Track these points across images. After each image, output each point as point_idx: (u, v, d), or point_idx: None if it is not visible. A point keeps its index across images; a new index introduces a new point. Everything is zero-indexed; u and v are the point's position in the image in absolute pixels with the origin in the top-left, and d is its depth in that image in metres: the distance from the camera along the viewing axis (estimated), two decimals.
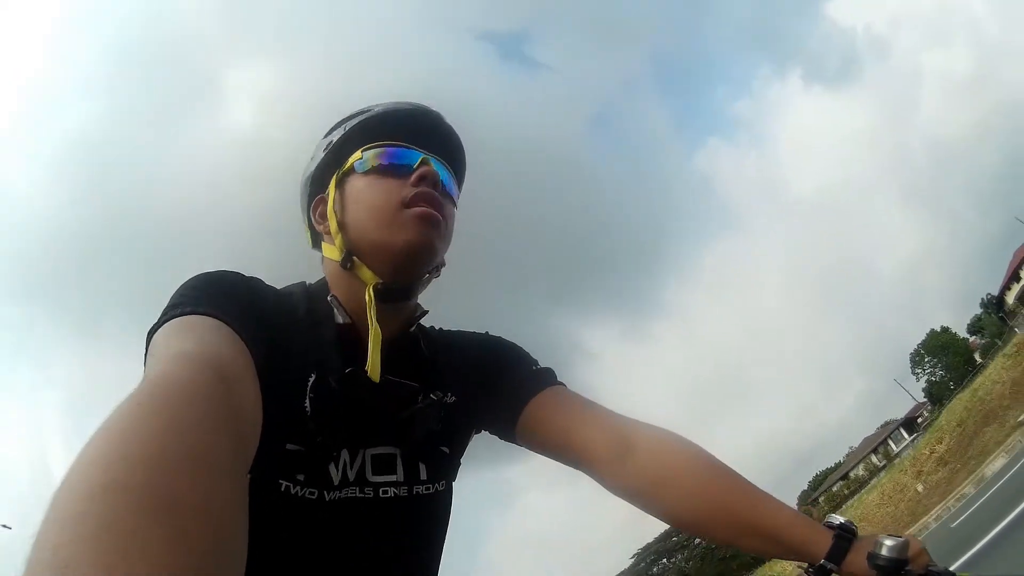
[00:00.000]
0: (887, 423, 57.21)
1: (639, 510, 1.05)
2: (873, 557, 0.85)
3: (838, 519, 0.92)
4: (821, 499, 50.64)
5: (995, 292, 48.84)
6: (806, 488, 64.97)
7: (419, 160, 1.02)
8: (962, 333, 52.98)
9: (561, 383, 1.14)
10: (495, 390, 1.10)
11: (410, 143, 1.04)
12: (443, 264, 1.08)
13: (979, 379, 35.24)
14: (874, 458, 49.14)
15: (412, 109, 1.08)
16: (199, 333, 0.75)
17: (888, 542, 0.85)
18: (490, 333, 1.21)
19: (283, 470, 0.88)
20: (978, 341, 50.22)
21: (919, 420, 49.29)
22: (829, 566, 0.88)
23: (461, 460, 1.09)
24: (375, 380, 0.92)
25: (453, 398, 1.04)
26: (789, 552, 0.93)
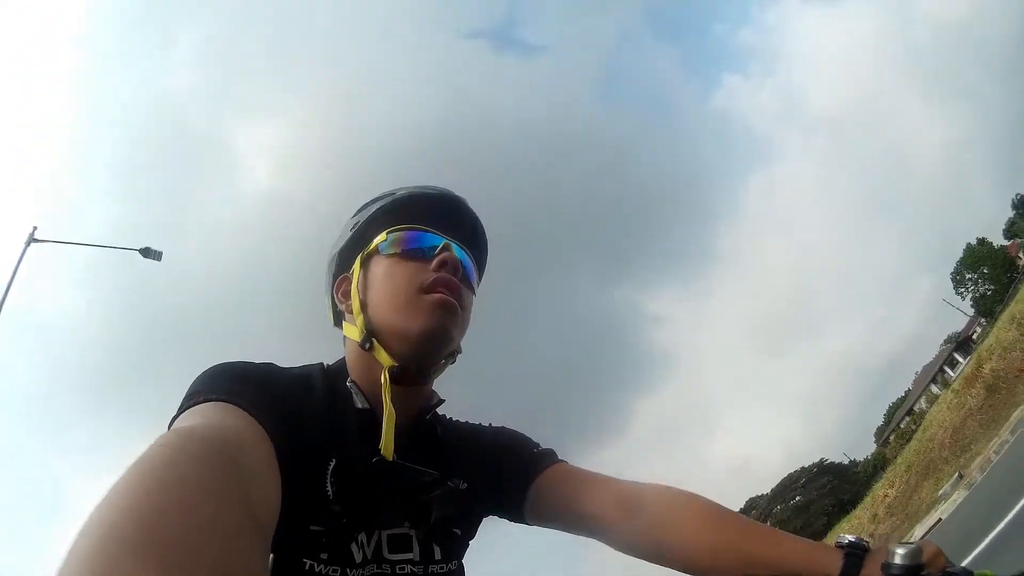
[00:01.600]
0: (948, 338, 55.28)
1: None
2: (887, 567, 0.85)
3: (848, 537, 0.93)
4: (892, 438, 49.83)
5: None
6: (881, 424, 63.75)
7: (441, 245, 1.07)
8: (998, 239, 50.87)
9: (562, 461, 1.19)
10: (501, 476, 1.15)
11: (433, 227, 1.09)
12: (459, 351, 1.12)
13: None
14: (934, 388, 48.07)
15: (436, 194, 1.15)
16: (217, 415, 0.79)
17: (900, 550, 0.85)
18: (492, 424, 1.26)
19: (307, 550, 0.90)
20: (1018, 242, 48.52)
21: (973, 337, 47.71)
22: None
23: (470, 542, 1.13)
24: (388, 459, 0.96)
25: (465, 485, 1.08)
26: None
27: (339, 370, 1.07)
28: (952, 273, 51.61)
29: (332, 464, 0.93)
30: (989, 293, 48.39)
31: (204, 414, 0.79)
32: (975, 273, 49.67)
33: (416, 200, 1.12)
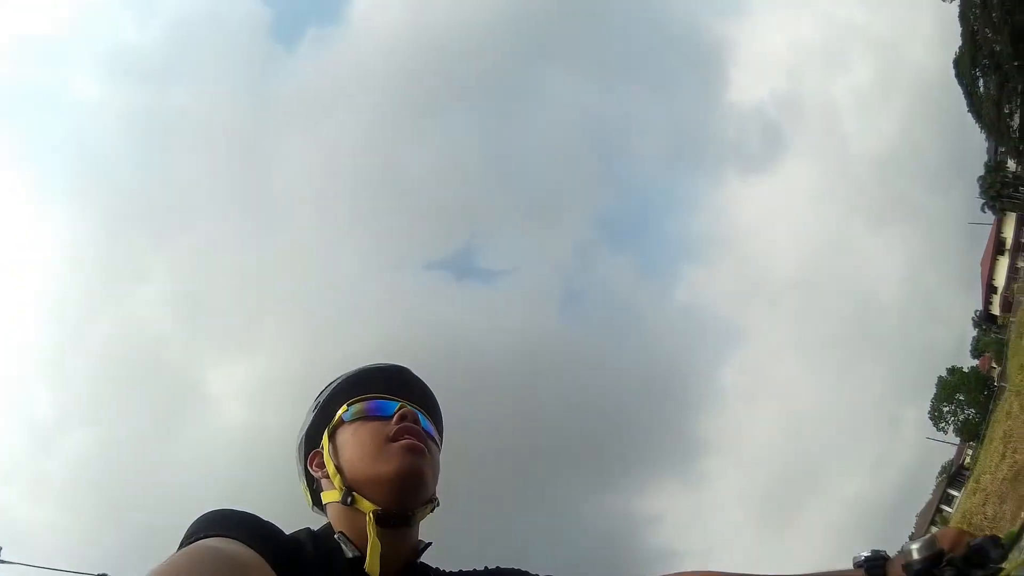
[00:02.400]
0: (943, 468, 51.79)
1: None
2: (908, 567, 0.85)
3: (864, 553, 0.94)
4: None
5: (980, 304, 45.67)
6: None
7: (398, 406, 1.17)
8: (967, 360, 49.06)
9: None
10: None
11: (387, 394, 1.21)
12: (438, 503, 1.16)
13: None
14: (934, 529, 43.30)
15: (384, 367, 1.28)
16: (222, 545, 0.83)
17: (915, 546, 0.85)
18: (488, 567, 1.24)
19: None
20: (988, 356, 46.18)
21: (965, 463, 44.24)
22: None
23: None
24: (374, 575, 1.00)
25: None
26: None
27: (326, 529, 1.11)
28: (929, 412, 48.87)
29: None
30: (971, 417, 45.31)
31: (208, 544, 0.83)
32: (952, 404, 46.87)
33: (368, 374, 1.25)
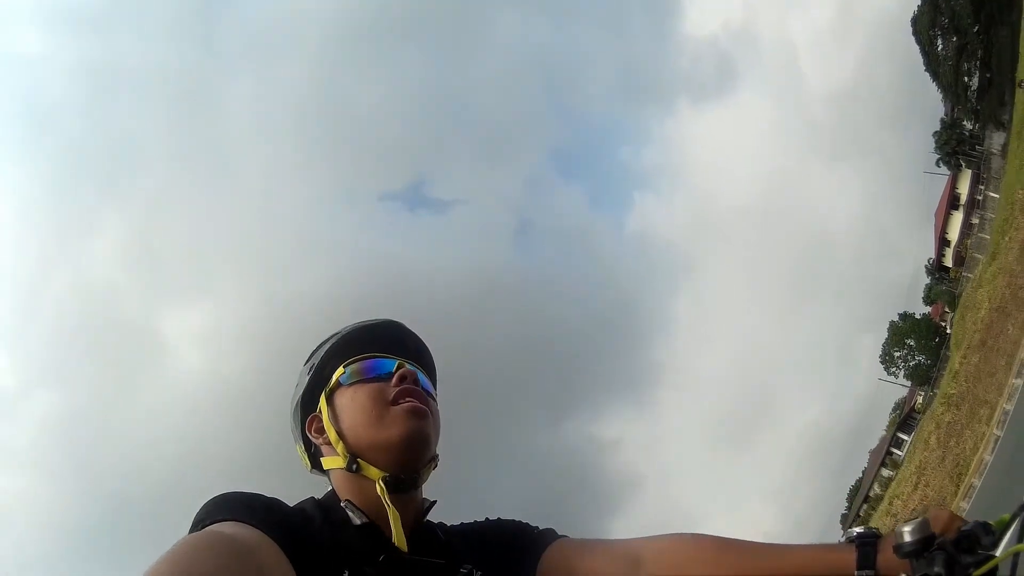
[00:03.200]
0: (896, 404, 54.24)
1: None
2: (899, 548, 0.85)
3: (857, 530, 0.94)
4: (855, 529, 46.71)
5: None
6: (844, 511, 60.90)
7: (396, 365, 1.17)
8: (920, 306, 51.05)
9: (564, 536, 1.23)
10: (508, 562, 1.17)
11: (383, 353, 1.19)
12: (438, 459, 1.18)
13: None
14: (885, 471, 45.86)
15: (378, 323, 1.26)
16: (231, 529, 0.83)
17: (908, 527, 0.85)
18: (488, 518, 1.29)
19: None
20: (940, 305, 48.02)
21: (916, 406, 46.41)
22: (866, 574, 0.89)
23: None
24: (403, 549, 1.02)
25: (480, 573, 1.10)
26: None
27: (330, 498, 1.11)
28: (880, 356, 50.88)
29: (346, 574, 0.95)
30: (921, 363, 47.39)
31: (215, 529, 0.83)
32: (902, 349, 48.80)
33: (362, 332, 1.23)
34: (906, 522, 0.85)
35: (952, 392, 27.35)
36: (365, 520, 1.04)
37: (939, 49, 38.08)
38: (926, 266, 50.44)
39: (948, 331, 43.88)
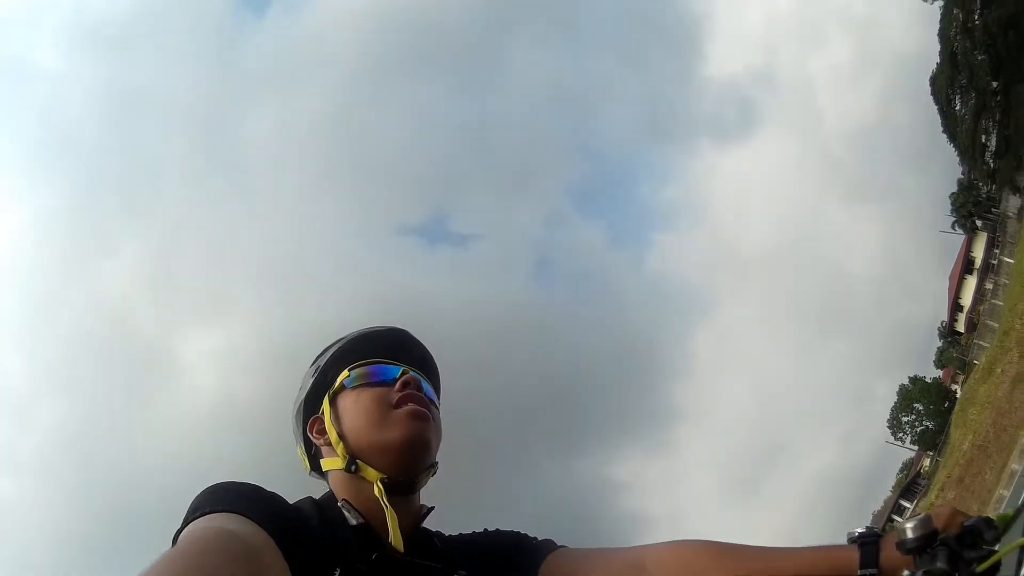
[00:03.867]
0: (903, 465, 52.46)
1: None
2: (902, 544, 0.85)
3: (858, 530, 0.93)
4: None
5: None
6: None
7: (400, 371, 1.16)
8: (930, 372, 49.56)
9: (562, 546, 1.21)
10: (507, 571, 1.16)
11: (388, 359, 1.19)
12: (437, 466, 1.17)
13: None
14: None
15: (384, 330, 1.26)
16: (225, 522, 0.82)
17: (910, 524, 0.85)
18: (487, 529, 1.27)
19: None
20: (951, 369, 46.63)
21: (922, 471, 44.91)
22: (868, 572, 0.89)
23: None
24: (400, 549, 1.00)
25: None
26: None
27: (328, 498, 1.10)
28: (888, 420, 49.35)
29: (337, 573, 0.94)
30: (929, 428, 45.87)
31: (213, 521, 0.82)
32: (911, 414, 47.34)
33: (368, 338, 1.23)
34: (908, 519, 0.85)
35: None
36: (361, 521, 1.03)
37: (956, 109, 37.18)
38: (939, 329, 49.08)
39: (958, 395, 42.63)
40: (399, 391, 1.12)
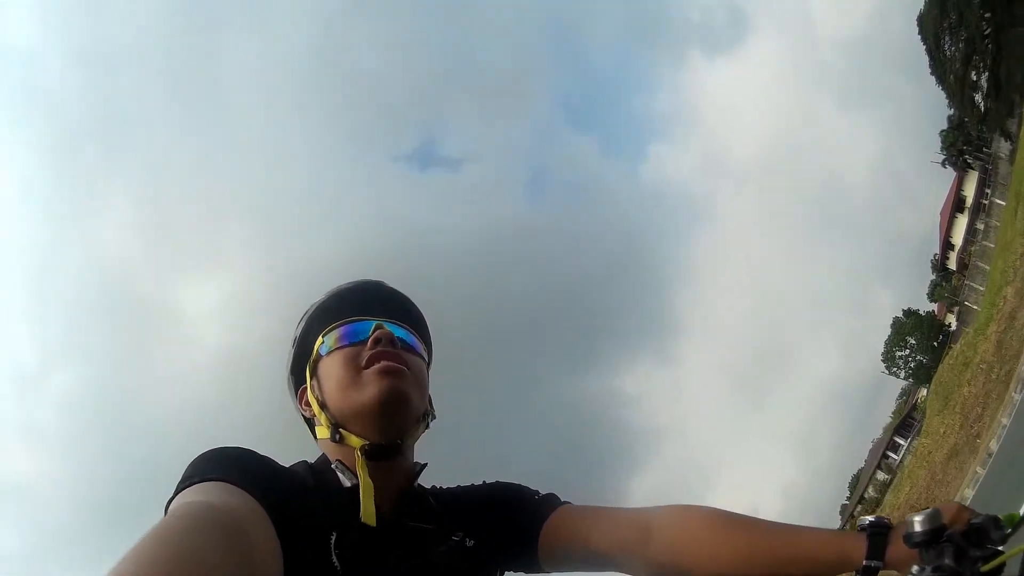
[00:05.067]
0: (902, 392, 53.94)
1: None
2: (909, 537, 0.84)
3: (868, 519, 0.92)
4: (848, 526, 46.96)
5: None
6: (846, 501, 60.94)
7: (372, 327, 1.12)
8: (924, 303, 50.23)
9: (567, 502, 1.18)
10: (508, 529, 1.13)
11: (361, 315, 1.16)
12: (432, 416, 1.16)
13: None
14: (880, 474, 45.70)
15: (354, 285, 1.22)
16: (217, 493, 0.80)
17: (918, 518, 0.84)
18: (486, 481, 1.24)
19: None
20: (944, 304, 47.03)
21: (918, 403, 46.05)
22: (874, 564, 0.87)
23: None
24: (371, 524, 0.98)
25: (472, 542, 1.08)
26: (832, 567, 0.92)
27: (322, 461, 1.09)
28: (882, 354, 50.10)
29: (334, 537, 0.93)
30: (923, 362, 46.67)
31: (203, 492, 0.81)
32: (904, 349, 48.00)
33: (339, 296, 1.20)
34: (917, 512, 0.84)
35: None
36: (355, 481, 1.02)
37: (945, 50, 35.82)
38: (931, 261, 49.20)
39: (952, 328, 43.14)
40: (370, 349, 1.09)
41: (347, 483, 1.01)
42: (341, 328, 1.14)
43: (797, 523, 1.00)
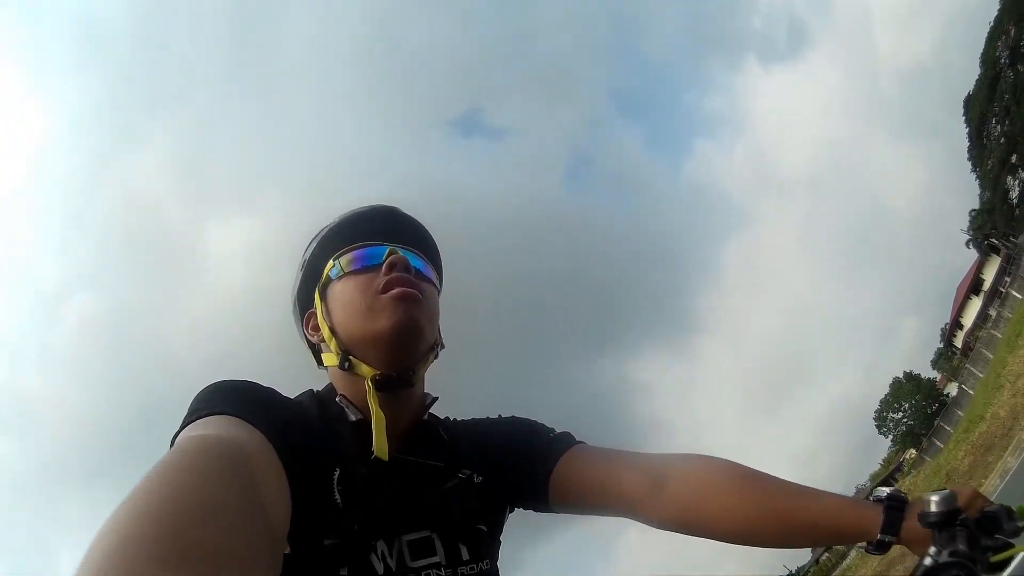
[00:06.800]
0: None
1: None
2: (924, 516, 0.84)
3: (885, 490, 0.92)
4: None
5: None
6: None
7: (386, 252, 1.07)
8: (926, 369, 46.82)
9: (581, 442, 1.16)
10: (519, 466, 1.11)
11: (375, 240, 1.11)
12: (441, 346, 1.13)
13: None
14: None
15: (369, 210, 1.17)
16: (223, 427, 0.78)
17: (935, 497, 0.84)
18: (502, 415, 1.22)
19: (325, 566, 0.88)
20: (945, 377, 46.54)
21: (900, 469, 46.16)
22: (888, 539, 0.87)
23: (501, 539, 1.10)
24: (384, 458, 0.95)
25: (481, 478, 1.06)
26: (845, 537, 0.93)
27: (328, 392, 1.07)
28: (875, 413, 49.39)
29: (337, 473, 0.92)
30: (914, 427, 46.55)
31: (210, 425, 0.79)
32: (898, 413, 47.81)
33: (352, 220, 1.15)
34: (934, 491, 0.85)
35: None
36: (360, 416, 1.00)
37: (986, 138, 35.16)
38: (941, 330, 48.72)
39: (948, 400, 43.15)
40: (386, 275, 1.04)
41: (352, 418, 1.00)
42: (354, 252, 1.10)
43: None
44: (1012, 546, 0.79)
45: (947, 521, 0.82)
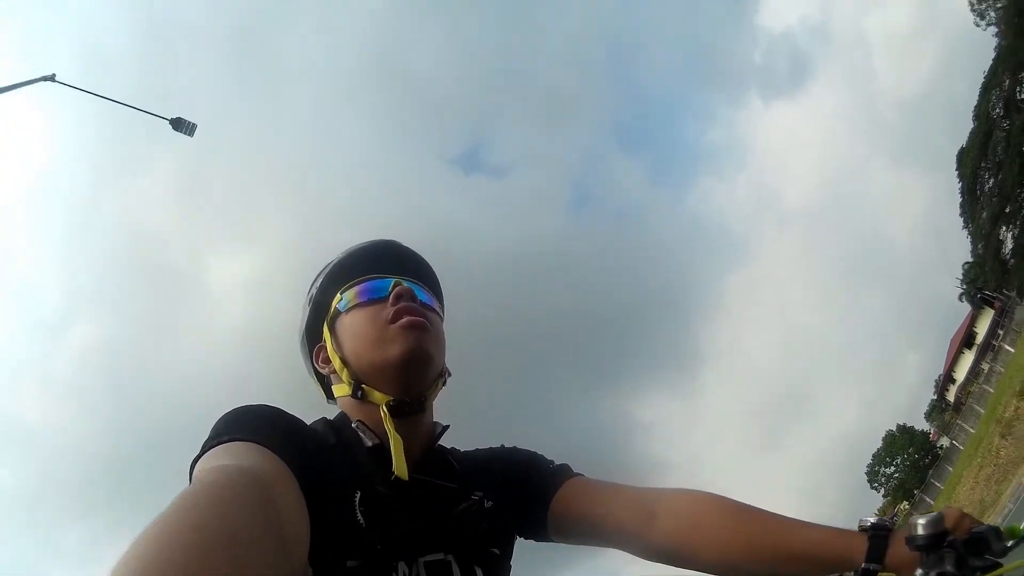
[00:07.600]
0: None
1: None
2: (912, 540, 0.84)
3: (870, 519, 0.93)
4: None
5: None
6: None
7: (392, 284, 1.13)
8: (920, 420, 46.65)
9: (579, 474, 1.19)
10: (521, 496, 1.15)
11: (379, 273, 1.16)
12: (448, 374, 1.17)
13: None
14: None
15: (371, 244, 1.23)
16: (244, 454, 0.79)
17: (922, 520, 0.84)
18: (504, 445, 1.26)
19: None
20: (936, 430, 45.83)
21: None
22: (872, 567, 0.88)
23: (511, 564, 1.12)
24: (403, 478, 0.98)
25: (491, 503, 1.08)
26: (831, 567, 0.93)
27: (342, 419, 1.10)
28: (867, 468, 48.48)
29: (359, 495, 0.94)
30: (905, 481, 45.80)
31: (231, 453, 0.80)
32: (891, 467, 47.05)
33: (356, 256, 1.21)
34: (921, 515, 0.84)
35: None
36: (376, 441, 1.02)
37: (979, 192, 34.89)
38: (935, 381, 48.13)
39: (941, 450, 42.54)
40: (392, 305, 1.09)
41: (368, 443, 1.02)
42: (360, 285, 1.14)
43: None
44: (1000, 565, 0.79)
45: (935, 543, 0.82)
